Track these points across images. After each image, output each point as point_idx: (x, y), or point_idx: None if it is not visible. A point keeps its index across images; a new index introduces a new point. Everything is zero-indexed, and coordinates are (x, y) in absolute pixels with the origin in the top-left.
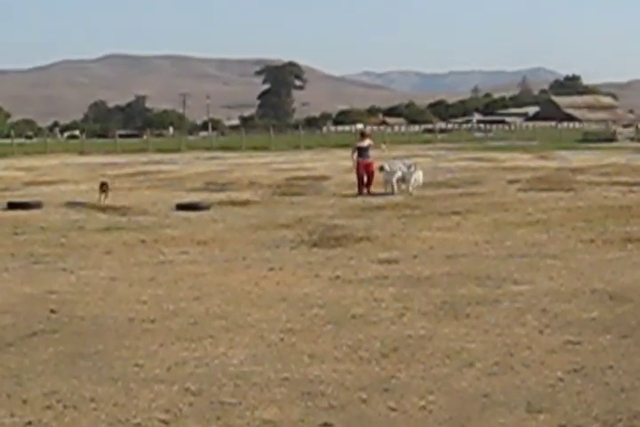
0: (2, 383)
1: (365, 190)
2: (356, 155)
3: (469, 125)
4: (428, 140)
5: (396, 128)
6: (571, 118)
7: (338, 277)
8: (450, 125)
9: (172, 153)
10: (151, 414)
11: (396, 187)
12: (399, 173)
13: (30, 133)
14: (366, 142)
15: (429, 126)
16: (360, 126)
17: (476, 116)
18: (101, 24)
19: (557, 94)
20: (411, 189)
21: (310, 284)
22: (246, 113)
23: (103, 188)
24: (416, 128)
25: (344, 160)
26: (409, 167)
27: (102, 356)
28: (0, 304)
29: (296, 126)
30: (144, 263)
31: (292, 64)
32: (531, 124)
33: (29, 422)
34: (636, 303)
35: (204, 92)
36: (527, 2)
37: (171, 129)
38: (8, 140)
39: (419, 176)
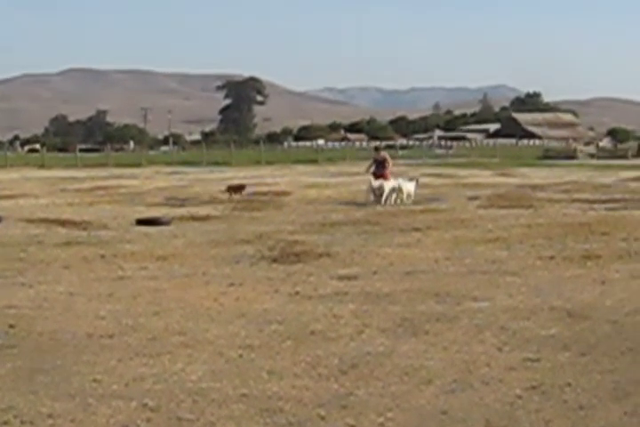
0: None
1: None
2: (372, 168)
3: (430, 142)
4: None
5: (358, 144)
6: (531, 135)
7: (297, 293)
8: (411, 142)
9: (132, 168)
10: None
11: (398, 199)
12: (390, 186)
13: None
14: (380, 156)
15: (390, 143)
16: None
17: (437, 133)
18: (63, 38)
19: (518, 111)
20: (405, 199)
21: (270, 300)
22: (207, 128)
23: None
24: (376, 144)
25: (305, 176)
26: (411, 180)
27: (60, 371)
28: None
29: (257, 142)
30: (103, 278)
31: (253, 79)
32: (491, 140)
33: None
34: (594, 321)
35: (166, 106)
36: (488, 19)
37: (131, 143)
38: None
39: (411, 188)
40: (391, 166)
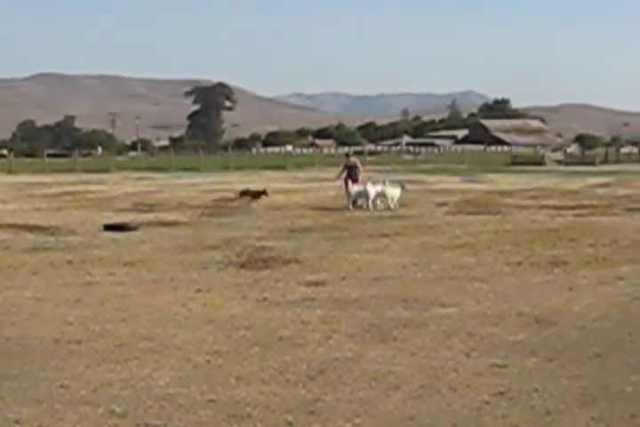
0: None
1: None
2: (344, 174)
3: (399, 148)
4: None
5: (326, 150)
6: (499, 142)
7: (265, 298)
8: (379, 148)
9: (100, 173)
10: None
11: (365, 205)
12: (373, 191)
13: None
14: (351, 161)
15: (358, 148)
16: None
17: (406, 139)
18: (32, 42)
19: (486, 117)
20: (391, 204)
21: (237, 305)
22: (176, 133)
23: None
24: (345, 149)
25: (273, 181)
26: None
27: (27, 377)
28: None
29: (225, 147)
30: (71, 284)
31: (221, 85)
32: (460, 147)
33: None
34: (561, 326)
35: (134, 112)
36: (456, 25)
37: (99, 149)
38: None
39: (395, 193)
40: (362, 172)
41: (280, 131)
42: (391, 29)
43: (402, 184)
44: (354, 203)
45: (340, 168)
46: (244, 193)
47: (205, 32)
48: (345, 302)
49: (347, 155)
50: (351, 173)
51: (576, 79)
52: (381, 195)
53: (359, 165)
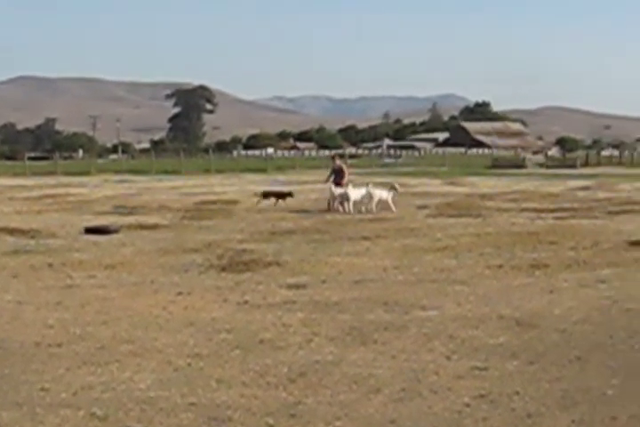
0: None
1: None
2: (332, 177)
3: (379, 151)
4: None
5: (307, 153)
6: (480, 144)
7: (246, 301)
8: (360, 151)
9: (81, 176)
10: None
11: (346, 208)
12: (354, 195)
13: None
14: (337, 165)
15: (339, 151)
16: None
17: (387, 142)
18: (11, 45)
19: (467, 120)
20: (374, 207)
21: (218, 308)
22: (157, 136)
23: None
24: (326, 153)
25: (254, 184)
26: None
27: (8, 380)
28: None
29: (206, 150)
30: (51, 287)
31: (202, 88)
32: (440, 149)
33: None
34: (542, 329)
35: (115, 115)
36: (436, 28)
37: (80, 152)
38: None
39: (382, 195)
40: (347, 175)
41: (261, 134)
42: (370, 32)
43: (392, 185)
44: (341, 204)
45: (329, 172)
46: (267, 195)
47: (186, 35)
48: (326, 304)
49: (332, 158)
50: (337, 177)
51: (557, 82)
52: (368, 197)
53: (344, 168)
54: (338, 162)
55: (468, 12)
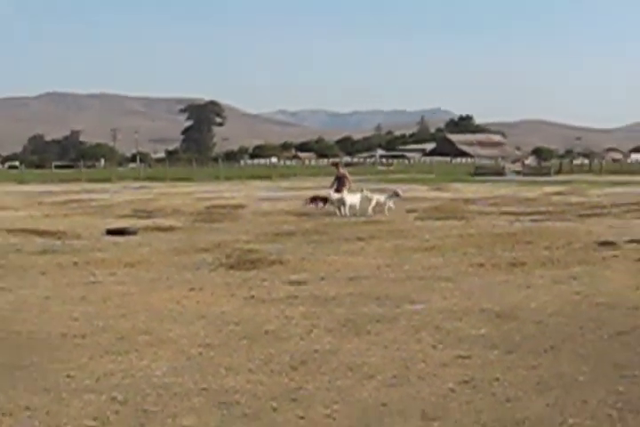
0: None
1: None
2: (336, 184)
3: (373, 160)
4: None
5: (307, 161)
6: (464, 154)
7: (252, 296)
8: (355, 159)
9: (102, 183)
10: (81, 421)
11: (342, 211)
12: (350, 200)
13: None
14: (340, 172)
15: (336, 160)
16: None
17: (379, 152)
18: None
19: (452, 132)
20: (370, 210)
21: (227, 303)
22: (171, 147)
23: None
24: (325, 162)
25: (259, 190)
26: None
27: (37, 368)
28: None
29: (216, 159)
30: (76, 283)
31: (212, 103)
32: (428, 159)
33: None
34: (520, 321)
35: (133, 127)
36: (424, 47)
37: (102, 161)
38: None
39: (380, 199)
40: (349, 182)
41: (266, 144)
42: (364, 51)
43: (395, 191)
44: (338, 208)
45: (333, 179)
46: (314, 199)
47: (198, 56)
48: (324, 299)
49: (336, 166)
50: (340, 183)
51: (534, 97)
52: (366, 200)
53: (347, 175)
54: (342, 170)
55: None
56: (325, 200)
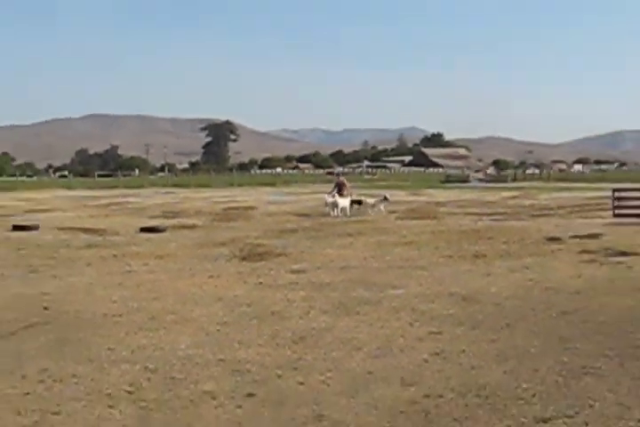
0: (5, 363)
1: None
2: (336, 190)
3: (360, 170)
4: (329, 180)
5: (306, 171)
6: (436, 165)
7: (261, 283)
8: (345, 169)
9: (137, 189)
10: (119, 387)
11: (334, 212)
12: (342, 202)
13: (30, 173)
14: (340, 180)
15: (331, 170)
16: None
17: (366, 163)
18: (85, 88)
19: (426, 147)
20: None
21: (240, 288)
22: (194, 159)
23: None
24: (320, 171)
25: (267, 195)
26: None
27: (82, 342)
28: (4, 302)
29: (231, 169)
30: (115, 272)
31: (228, 122)
32: (406, 169)
33: (27, 393)
34: (482, 303)
35: (162, 143)
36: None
37: (137, 171)
38: (13, 178)
39: (370, 201)
40: (348, 188)
41: (272, 157)
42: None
43: (385, 196)
44: (331, 210)
45: (333, 185)
46: (352, 202)
47: (217, 84)
48: (320, 285)
49: (337, 175)
50: (339, 189)
51: (495, 116)
52: (356, 202)
53: (346, 182)
54: (341, 178)
55: (422, 61)
56: (360, 202)
